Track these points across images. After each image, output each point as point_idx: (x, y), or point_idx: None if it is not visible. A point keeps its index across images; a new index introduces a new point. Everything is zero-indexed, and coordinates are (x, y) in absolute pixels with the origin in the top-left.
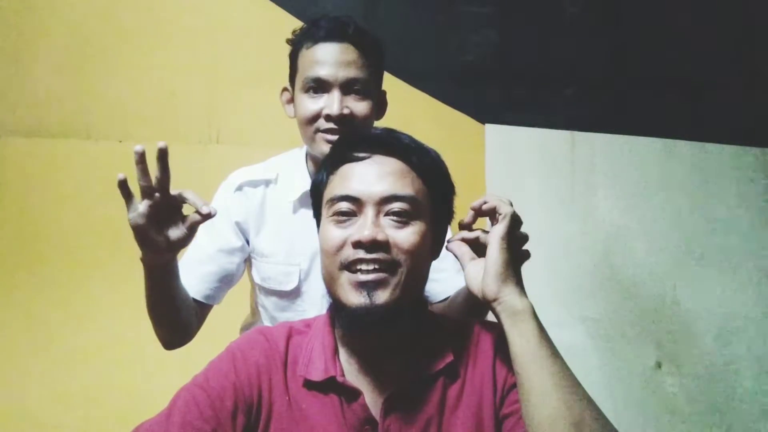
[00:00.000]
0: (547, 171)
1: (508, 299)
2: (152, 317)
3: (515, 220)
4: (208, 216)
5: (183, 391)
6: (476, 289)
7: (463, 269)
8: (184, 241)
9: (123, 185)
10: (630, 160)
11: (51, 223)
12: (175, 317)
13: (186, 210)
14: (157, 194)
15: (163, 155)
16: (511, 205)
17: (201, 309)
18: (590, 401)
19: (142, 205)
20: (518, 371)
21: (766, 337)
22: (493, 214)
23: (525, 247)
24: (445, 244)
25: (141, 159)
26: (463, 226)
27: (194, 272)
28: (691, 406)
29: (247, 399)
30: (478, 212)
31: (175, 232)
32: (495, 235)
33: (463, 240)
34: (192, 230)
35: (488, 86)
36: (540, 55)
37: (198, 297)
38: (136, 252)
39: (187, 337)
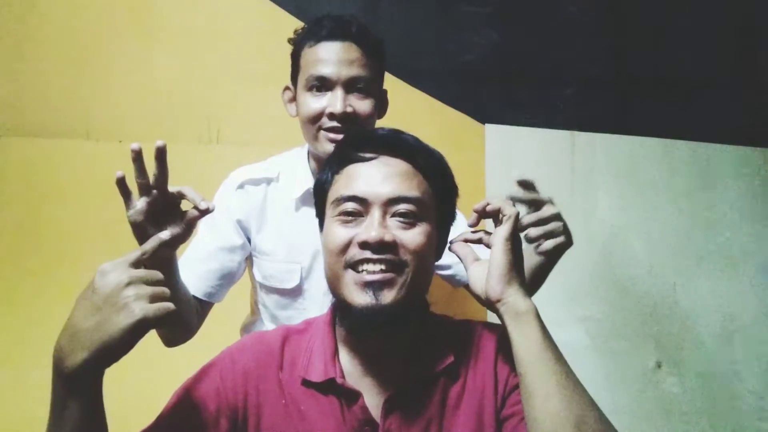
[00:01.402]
0: (547, 171)
1: (511, 300)
2: None
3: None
4: (206, 212)
5: (173, 396)
6: (480, 290)
7: (466, 270)
8: (183, 237)
9: (121, 183)
10: (630, 160)
11: (51, 223)
12: (175, 314)
13: (185, 206)
14: (154, 191)
15: (161, 153)
16: (515, 206)
17: (202, 307)
18: (592, 403)
19: (140, 203)
20: (521, 372)
21: (766, 337)
22: (496, 216)
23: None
24: (448, 245)
25: (137, 157)
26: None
27: (195, 270)
28: (691, 406)
29: (231, 404)
30: (482, 214)
31: (174, 229)
32: (499, 237)
33: (466, 241)
34: (190, 226)
35: (488, 86)
36: (540, 55)
37: (199, 295)
38: None
39: (188, 335)
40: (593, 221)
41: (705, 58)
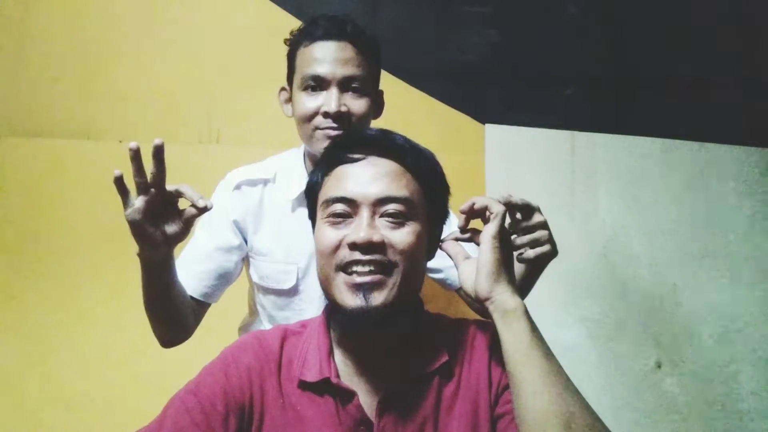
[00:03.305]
0: (547, 171)
1: (500, 298)
2: (149, 314)
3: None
4: (204, 210)
5: (175, 398)
6: (469, 288)
7: (456, 268)
8: (181, 235)
9: (119, 182)
10: (630, 160)
11: (51, 223)
12: (171, 314)
13: (183, 204)
14: (152, 190)
15: (158, 152)
16: (500, 202)
17: (198, 307)
18: (582, 400)
19: (138, 201)
20: (510, 370)
21: (766, 337)
22: (484, 214)
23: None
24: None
25: (135, 156)
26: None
27: (192, 270)
28: (691, 406)
29: (239, 402)
30: (469, 214)
31: (172, 227)
32: (486, 235)
33: (457, 240)
34: (188, 224)
35: (488, 86)
36: (540, 55)
37: (195, 295)
38: (136, 251)
39: (184, 335)
40: (593, 221)
41: (705, 58)
